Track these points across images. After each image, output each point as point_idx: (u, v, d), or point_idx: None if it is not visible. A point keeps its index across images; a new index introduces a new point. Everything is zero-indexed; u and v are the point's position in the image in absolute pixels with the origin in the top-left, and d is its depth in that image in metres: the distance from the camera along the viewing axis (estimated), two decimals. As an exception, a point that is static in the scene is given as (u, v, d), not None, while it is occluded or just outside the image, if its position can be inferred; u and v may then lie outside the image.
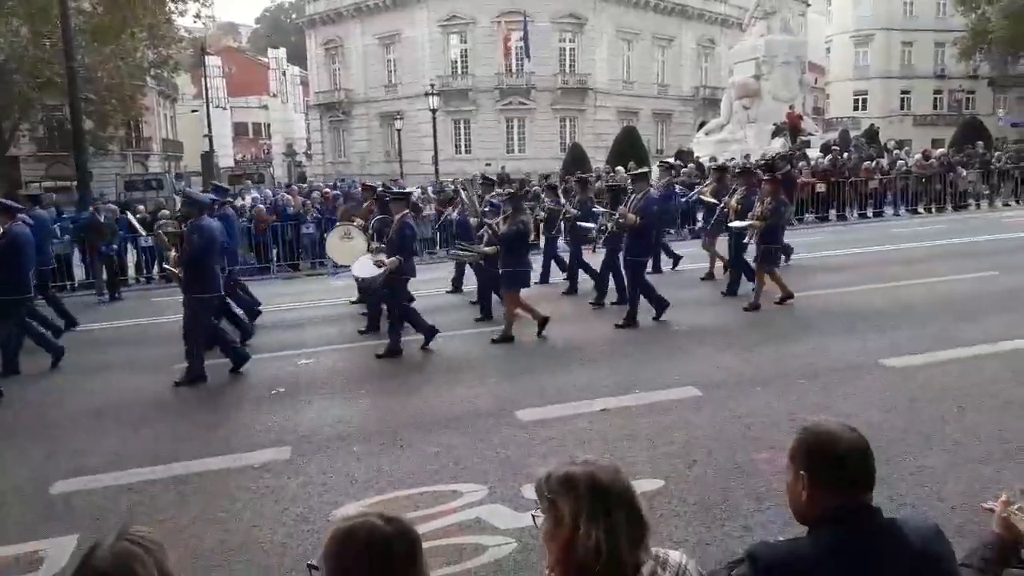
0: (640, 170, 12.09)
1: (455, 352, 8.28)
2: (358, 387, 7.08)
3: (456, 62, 43.49)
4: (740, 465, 4.76)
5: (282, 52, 72.59)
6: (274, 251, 16.58)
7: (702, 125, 35.05)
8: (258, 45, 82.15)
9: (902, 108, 54.72)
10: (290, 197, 18.31)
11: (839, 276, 11.59)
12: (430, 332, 8.30)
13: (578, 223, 11.12)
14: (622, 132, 32.56)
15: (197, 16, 53.16)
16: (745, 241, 10.28)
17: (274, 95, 72.43)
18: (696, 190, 13.84)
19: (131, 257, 16.06)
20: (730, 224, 10.57)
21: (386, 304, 8.74)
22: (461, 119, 43.26)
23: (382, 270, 8.02)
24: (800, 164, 21.30)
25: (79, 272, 15.21)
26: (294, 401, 6.71)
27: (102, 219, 14.53)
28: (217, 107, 59.43)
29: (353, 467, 5.09)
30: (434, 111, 30.96)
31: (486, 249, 9.10)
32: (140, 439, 5.96)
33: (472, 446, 5.32)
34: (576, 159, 29.15)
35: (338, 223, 11.03)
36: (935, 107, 54.22)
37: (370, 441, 5.56)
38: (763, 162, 15.38)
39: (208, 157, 31.18)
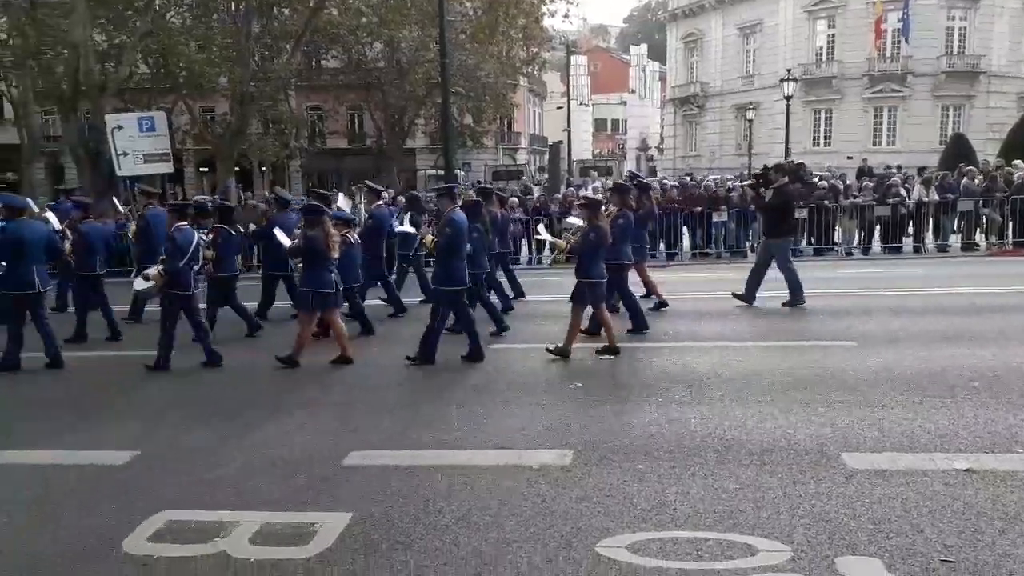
0: (444, 185, 10.40)
1: (774, 366, 7.15)
2: (655, 391, 6.39)
3: (821, 48, 40.20)
4: None
5: (643, 48, 73.94)
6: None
7: None
8: (624, 44, 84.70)
9: None
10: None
11: None
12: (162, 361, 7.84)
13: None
14: (1022, 122, 27.00)
15: (566, 16, 56.15)
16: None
17: (633, 91, 74.15)
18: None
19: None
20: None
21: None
22: (822, 109, 39.90)
23: (149, 284, 7.96)
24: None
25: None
26: (587, 399, 6.27)
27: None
28: (580, 104, 62.58)
29: (634, 489, 4.44)
30: (788, 98, 28.66)
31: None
32: (431, 418, 5.97)
33: (781, 490, 4.35)
34: (960, 152, 24.73)
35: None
36: None
37: (658, 459, 4.87)
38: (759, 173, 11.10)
39: (556, 149, 32.65)
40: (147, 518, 4.25)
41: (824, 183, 17.32)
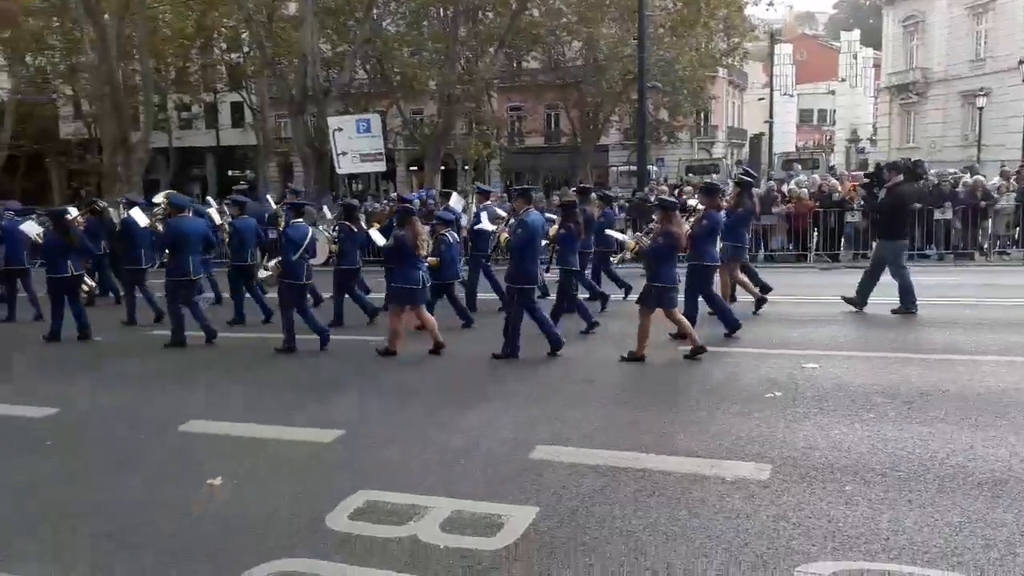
0: (526, 187, 10.74)
1: (1011, 384, 6.30)
2: (866, 405, 5.86)
3: (1071, 25, 35.26)
4: None
5: (855, 34, 68.81)
6: (814, 238, 15.74)
7: None
8: (834, 31, 79.43)
9: None
10: (836, 183, 16.94)
11: None
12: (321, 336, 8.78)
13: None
14: None
15: (770, 4, 53.45)
16: (613, 262, 11.01)
17: (842, 80, 69.25)
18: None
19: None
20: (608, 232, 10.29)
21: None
22: (1070, 94, 34.92)
23: (268, 274, 8.97)
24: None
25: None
26: (788, 410, 5.86)
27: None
28: (784, 94, 59.31)
29: (839, 512, 4.09)
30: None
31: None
32: (621, 419, 5.89)
33: (1017, 529, 3.80)
34: None
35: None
36: None
37: (869, 482, 4.44)
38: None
39: (757, 142, 31.22)
40: (348, 496, 4.51)
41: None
